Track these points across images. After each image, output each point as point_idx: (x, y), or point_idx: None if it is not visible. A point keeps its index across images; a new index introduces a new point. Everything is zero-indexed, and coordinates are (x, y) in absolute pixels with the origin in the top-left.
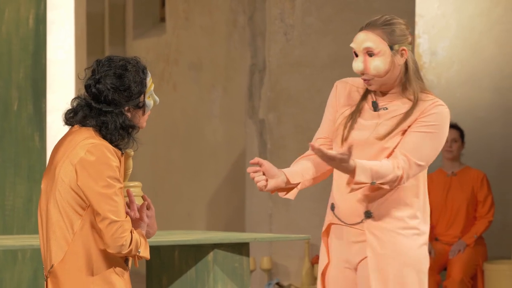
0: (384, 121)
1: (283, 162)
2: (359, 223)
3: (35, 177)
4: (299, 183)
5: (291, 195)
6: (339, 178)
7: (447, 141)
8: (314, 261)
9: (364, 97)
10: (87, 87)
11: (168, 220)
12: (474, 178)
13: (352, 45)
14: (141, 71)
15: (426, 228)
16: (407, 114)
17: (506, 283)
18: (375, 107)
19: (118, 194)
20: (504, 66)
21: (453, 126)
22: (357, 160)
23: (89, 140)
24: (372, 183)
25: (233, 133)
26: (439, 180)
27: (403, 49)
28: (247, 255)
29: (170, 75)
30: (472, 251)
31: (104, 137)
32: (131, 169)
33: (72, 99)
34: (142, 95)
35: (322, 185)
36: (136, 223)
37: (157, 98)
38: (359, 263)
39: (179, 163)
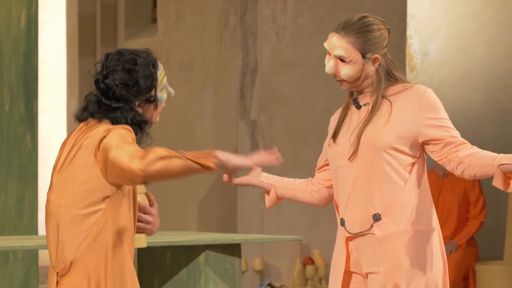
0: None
1: None
2: (369, 228)
3: (27, 177)
4: (272, 185)
5: (268, 201)
6: (343, 193)
7: None
8: (306, 262)
9: (351, 95)
10: (96, 82)
11: (159, 220)
12: (466, 179)
13: (325, 45)
14: (152, 64)
15: (436, 225)
16: (371, 116)
17: (498, 284)
18: (356, 104)
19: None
20: (496, 67)
21: None
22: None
23: (108, 126)
24: None
25: (225, 134)
26: (431, 181)
27: (376, 57)
28: (239, 256)
29: None
30: (464, 252)
31: None
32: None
33: (85, 96)
34: (154, 89)
35: None
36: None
37: (171, 91)
38: (370, 273)
39: None
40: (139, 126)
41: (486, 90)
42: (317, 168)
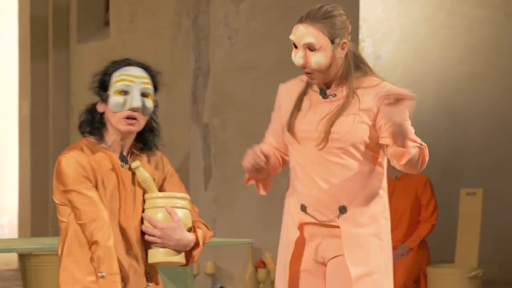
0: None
1: (228, 166)
2: (333, 219)
3: None
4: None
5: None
6: (307, 178)
7: None
8: (258, 265)
9: (309, 84)
10: None
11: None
12: (417, 182)
13: (291, 37)
14: (117, 63)
15: (389, 223)
16: (344, 106)
17: (449, 287)
18: (323, 94)
19: (76, 196)
20: (449, 70)
21: None
22: None
23: (64, 152)
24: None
25: (177, 137)
26: None
27: (344, 42)
28: None
29: None
30: (415, 255)
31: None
32: (146, 181)
33: None
34: (107, 88)
35: None
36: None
37: (131, 101)
38: (331, 259)
39: None
40: (93, 119)
41: (438, 94)
42: (269, 144)
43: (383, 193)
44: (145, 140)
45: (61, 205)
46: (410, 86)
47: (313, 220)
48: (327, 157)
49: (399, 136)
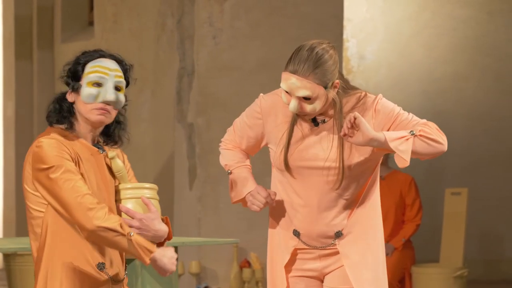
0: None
1: (212, 166)
2: (330, 244)
3: None
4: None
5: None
6: (302, 207)
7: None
8: (243, 265)
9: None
10: None
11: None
12: (402, 182)
13: (283, 87)
14: (90, 54)
15: (381, 225)
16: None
17: (434, 286)
18: (316, 122)
19: (64, 172)
20: (433, 70)
21: None
22: None
23: (39, 138)
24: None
25: (162, 137)
26: None
27: (336, 83)
28: (176, 259)
29: None
30: (400, 255)
31: (55, 124)
32: (121, 171)
33: None
34: (80, 78)
35: None
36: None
37: (105, 94)
38: (328, 273)
39: None
40: (61, 107)
41: (422, 93)
42: (236, 146)
43: (377, 206)
44: (110, 133)
45: (33, 194)
46: (394, 86)
47: (307, 247)
48: (328, 187)
49: (381, 147)
